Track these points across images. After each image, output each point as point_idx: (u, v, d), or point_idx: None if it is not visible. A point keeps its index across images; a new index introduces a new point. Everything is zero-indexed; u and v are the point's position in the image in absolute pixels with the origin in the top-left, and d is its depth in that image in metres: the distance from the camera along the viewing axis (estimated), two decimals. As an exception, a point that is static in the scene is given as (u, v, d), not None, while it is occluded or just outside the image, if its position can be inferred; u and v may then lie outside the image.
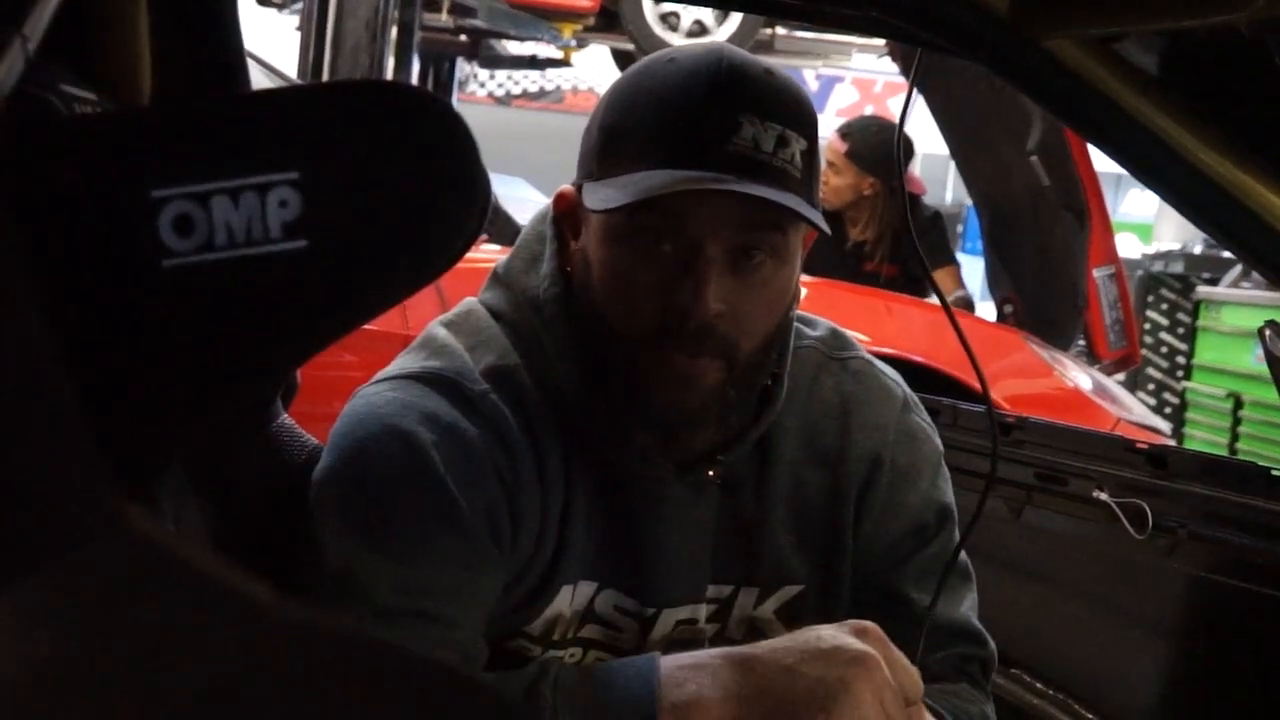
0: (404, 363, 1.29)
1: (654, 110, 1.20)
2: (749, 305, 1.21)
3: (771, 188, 1.16)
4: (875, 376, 1.41)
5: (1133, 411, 4.13)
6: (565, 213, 1.30)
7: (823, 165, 3.90)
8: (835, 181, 4.26)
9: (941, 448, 1.43)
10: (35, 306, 0.53)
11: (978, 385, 1.42)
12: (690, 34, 7.18)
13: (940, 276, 4.32)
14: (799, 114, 1.21)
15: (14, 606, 0.45)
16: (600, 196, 1.19)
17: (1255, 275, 6.42)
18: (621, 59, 8.50)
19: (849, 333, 1.45)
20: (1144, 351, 7.25)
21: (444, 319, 1.34)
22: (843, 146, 4.24)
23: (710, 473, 1.30)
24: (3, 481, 0.47)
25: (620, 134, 1.22)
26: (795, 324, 1.34)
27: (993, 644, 1.42)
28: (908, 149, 4.75)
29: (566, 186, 1.29)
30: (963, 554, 1.43)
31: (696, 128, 1.17)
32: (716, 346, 1.20)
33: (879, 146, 4.20)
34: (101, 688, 0.42)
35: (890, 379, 1.42)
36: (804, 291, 1.36)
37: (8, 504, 0.47)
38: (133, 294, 0.73)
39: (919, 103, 4.67)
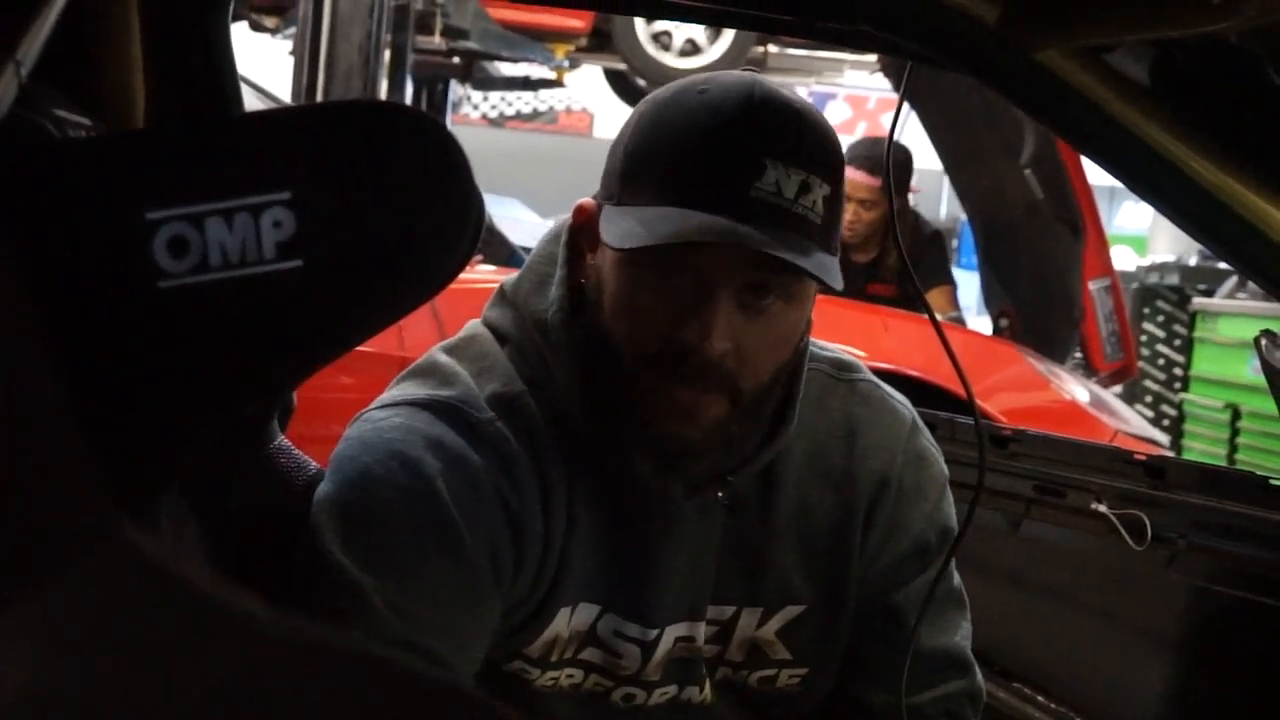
0: (408, 389, 1.29)
1: (679, 144, 1.18)
2: (755, 344, 1.19)
3: (791, 235, 1.14)
4: (883, 399, 1.40)
5: (1130, 423, 4.13)
6: (584, 225, 1.28)
7: (849, 205, 3.81)
8: (868, 216, 4.16)
9: (947, 472, 1.43)
10: (32, 328, 0.53)
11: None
12: (683, 53, 7.20)
13: (933, 296, 4.28)
14: (825, 157, 1.18)
15: (11, 625, 0.45)
16: (617, 231, 1.18)
17: (1251, 286, 6.43)
18: (614, 79, 8.52)
19: (849, 351, 1.44)
20: (1141, 363, 7.25)
21: (447, 345, 1.33)
22: (875, 181, 4.09)
23: (719, 494, 1.30)
24: (0, 501, 0.47)
25: (643, 162, 1.20)
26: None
27: (980, 677, 1.43)
28: (907, 160, 4.75)
29: (587, 200, 1.28)
30: (959, 582, 1.43)
31: (719, 169, 1.15)
32: (719, 383, 1.19)
33: (898, 168, 4.13)
34: (97, 705, 0.42)
35: (897, 401, 1.42)
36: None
37: (5, 523, 0.47)
38: (128, 315, 0.73)
39: (911, 118, 4.67)
